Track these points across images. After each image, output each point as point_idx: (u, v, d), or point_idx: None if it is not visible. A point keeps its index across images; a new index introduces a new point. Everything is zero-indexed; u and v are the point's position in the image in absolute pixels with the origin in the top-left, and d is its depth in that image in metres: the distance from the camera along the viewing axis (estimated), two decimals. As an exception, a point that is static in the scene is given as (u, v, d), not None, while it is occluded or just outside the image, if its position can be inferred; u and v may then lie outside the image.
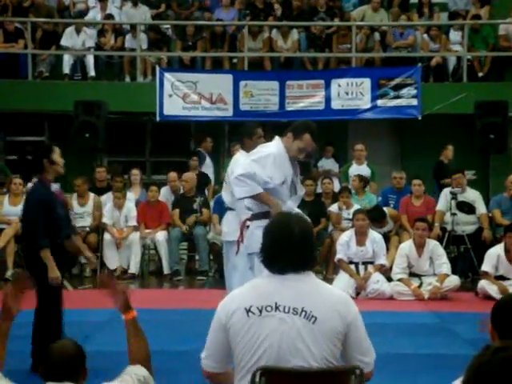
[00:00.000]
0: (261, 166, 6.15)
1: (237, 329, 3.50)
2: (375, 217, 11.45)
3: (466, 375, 1.53)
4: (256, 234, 6.23)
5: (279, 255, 3.53)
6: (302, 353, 3.44)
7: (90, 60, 15.05)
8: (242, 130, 8.03)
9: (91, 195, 12.60)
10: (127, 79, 15.13)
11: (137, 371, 3.56)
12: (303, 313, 3.46)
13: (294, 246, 3.52)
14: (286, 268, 3.52)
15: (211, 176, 13.88)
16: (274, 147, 6.32)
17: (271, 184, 6.17)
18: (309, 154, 6.73)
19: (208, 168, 13.97)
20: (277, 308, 3.48)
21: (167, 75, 14.39)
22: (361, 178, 12.71)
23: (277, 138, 6.46)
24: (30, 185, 11.22)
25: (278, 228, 3.62)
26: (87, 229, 12.34)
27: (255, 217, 6.31)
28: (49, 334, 6.26)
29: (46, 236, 6.44)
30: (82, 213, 12.46)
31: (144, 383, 3.54)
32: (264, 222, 6.19)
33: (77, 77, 15.06)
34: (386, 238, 11.39)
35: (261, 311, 3.49)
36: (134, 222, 12.38)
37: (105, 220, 12.36)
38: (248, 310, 3.50)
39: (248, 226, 6.44)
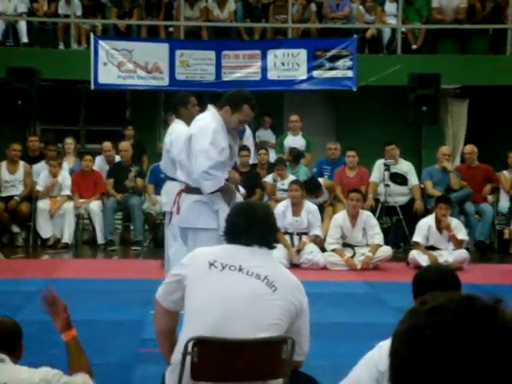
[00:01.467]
0: (215, 146, 6.05)
1: (195, 278, 3.57)
2: (310, 188, 11.54)
3: (396, 336, 1.38)
4: (195, 208, 6.18)
5: (246, 229, 3.69)
6: (252, 316, 3.51)
7: (22, 26, 14.72)
8: (175, 100, 7.97)
9: (21, 163, 12.42)
10: (61, 46, 14.85)
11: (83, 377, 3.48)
12: (266, 280, 3.57)
13: (259, 223, 3.72)
14: (251, 241, 3.67)
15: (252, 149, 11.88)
16: (214, 121, 6.09)
17: (222, 159, 6.13)
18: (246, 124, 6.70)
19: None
20: (240, 269, 3.59)
21: (102, 43, 14.17)
22: (291, 151, 12.78)
23: (211, 108, 6.22)
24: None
25: (244, 208, 3.91)
26: (16, 198, 12.13)
27: (192, 190, 6.23)
28: None
29: None
30: (12, 181, 12.27)
31: None
32: (202, 197, 6.18)
33: (9, 43, 14.73)
34: (321, 208, 11.49)
35: (223, 267, 3.58)
36: (68, 192, 12.26)
37: (38, 188, 12.21)
38: (211, 264, 3.59)
39: (181, 193, 6.34)
